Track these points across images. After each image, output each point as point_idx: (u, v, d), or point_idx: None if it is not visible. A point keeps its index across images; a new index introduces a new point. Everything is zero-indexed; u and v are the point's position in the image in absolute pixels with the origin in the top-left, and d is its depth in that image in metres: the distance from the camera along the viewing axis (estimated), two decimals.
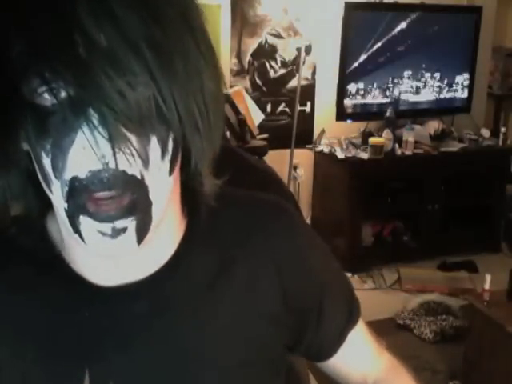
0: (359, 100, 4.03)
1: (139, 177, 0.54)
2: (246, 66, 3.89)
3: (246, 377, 0.68)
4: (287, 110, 4.04)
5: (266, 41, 3.90)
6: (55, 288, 0.64)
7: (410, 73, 4.15)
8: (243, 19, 3.80)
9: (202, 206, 0.66)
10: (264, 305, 0.69)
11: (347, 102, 3.98)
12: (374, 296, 3.67)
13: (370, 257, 4.02)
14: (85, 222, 0.55)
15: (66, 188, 0.54)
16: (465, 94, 4.37)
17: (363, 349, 0.82)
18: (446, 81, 4.30)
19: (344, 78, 3.94)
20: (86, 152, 0.51)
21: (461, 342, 2.91)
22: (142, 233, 0.57)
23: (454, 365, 2.87)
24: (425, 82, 4.22)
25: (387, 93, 4.10)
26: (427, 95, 4.26)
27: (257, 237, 0.69)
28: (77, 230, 0.56)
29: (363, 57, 3.97)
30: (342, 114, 4.00)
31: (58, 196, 0.55)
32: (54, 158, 0.53)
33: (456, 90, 4.34)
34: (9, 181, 0.58)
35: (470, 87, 4.37)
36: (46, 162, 0.54)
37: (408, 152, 3.98)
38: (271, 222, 0.71)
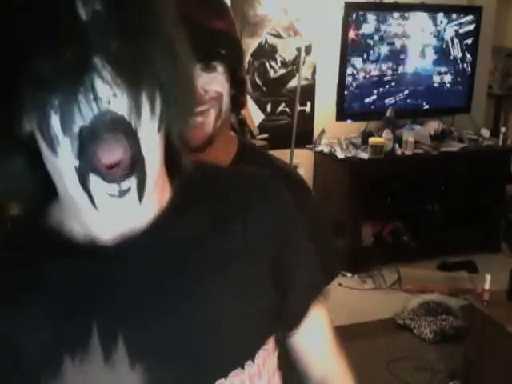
0: (359, 100, 4.04)
1: (133, 127, 0.61)
2: (246, 65, 3.89)
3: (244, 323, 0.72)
4: (287, 110, 4.04)
5: (266, 41, 3.90)
6: (61, 255, 0.68)
7: (409, 72, 4.15)
8: (243, 19, 3.81)
9: (184, 174, 0.72)
10: (258, 259, 0.74)
11: (347, 101, 3.98)
12: (374, 296, 3.67)
13: (369, 257, 4.02)
14: (94, 182, 0.61)
15: (76, 143, 0.60)
16: (465, 94, 4.37)
17: (324, 335, 0.87)
18: (446, 81, 4.30)
19: (344, 78, 3.94)
20: (89, 100, 0.58)
21: (461, 342, 2.91)
22: (141, 190, 0.63)
23: (454, 365, 2.87)
24: (425, 82, 4.23)
25: (387, 93, 4.11)
26: (427, 95, 4.26)
27: (246, 199, 0.75)
28: (87, 190, 0.62)
29: (363, 57, 3.97)
30: (341, 114, 4.00)
31: (67, 155, 0.61)
32: (63, 113, 0.59)
33: (456, 90, 4.35)
34: (15, 167, 0.66)
35: (470, 87, 4.37)
36: (55, 120, 0.59)
37: (408, 152, 3.98)
38: (260, 187, 0.78)
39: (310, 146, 4.11)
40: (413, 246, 4.13)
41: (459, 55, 4.29)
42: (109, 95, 0.59)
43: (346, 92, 3.96)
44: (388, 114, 3.96)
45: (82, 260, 0.67)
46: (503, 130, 4.36)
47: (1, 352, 0.68)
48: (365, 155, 3.86)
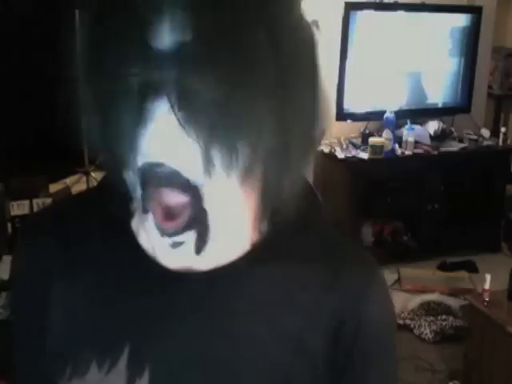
0: (359, 100, 4.03)
1: (193, 183, 0.55)
2: None
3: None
4: None
5: None
6: (124, 256, 0.65)
7: (409, 72, 4.15)
8: None
9: (277, 227, 0.65)
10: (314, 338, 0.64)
11: (347, 101, 3.98)
12: None
13: None
14: (150, 224, 0.58)
15: (139, 178, 0.55)
16: (465, 94, 4.37)
17: None
18: (445, 80, 4.30)
19: (343, 78, 3.93)
20: (152, 143, 0.52)
21: (461, 342, 2.91)
22: (200, 244, 0.59)
23: (454, 365, 2.87)
24: (425, 82, 4.23)
25: (387, 92, 4.10)
26: (427, 95, 4.26)
27: (333, 274, 0.65)
28: (143, 227, 0.60)
29: (363, 56, 3.97)
30: (341, 114, 3.99)
31: (134, 178, 0.57)
32: (120, 144, 0.54)
33: (456, 90, 4.34)
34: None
35: (470, 87, 4.36)
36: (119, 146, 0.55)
37: (408, 152, 3.97)
38: (357, 268, 0.67)
39: None
40: (413, 246, 4.13)
41: (459, 55, 4.28)
42: (162, 142, 0.52)
43: (345, 92, 3.96)
44: (388, 113, 3.96)
45: (141, 272, 0.63)
46: (503, 130, 4.36)
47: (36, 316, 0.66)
48: (365, 155, 3.86)
